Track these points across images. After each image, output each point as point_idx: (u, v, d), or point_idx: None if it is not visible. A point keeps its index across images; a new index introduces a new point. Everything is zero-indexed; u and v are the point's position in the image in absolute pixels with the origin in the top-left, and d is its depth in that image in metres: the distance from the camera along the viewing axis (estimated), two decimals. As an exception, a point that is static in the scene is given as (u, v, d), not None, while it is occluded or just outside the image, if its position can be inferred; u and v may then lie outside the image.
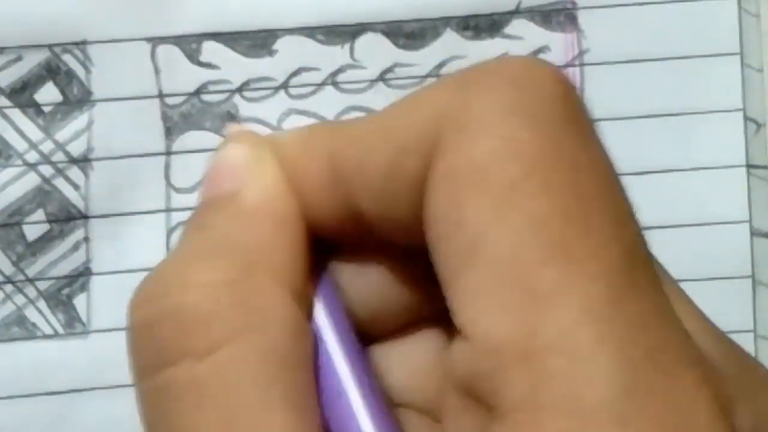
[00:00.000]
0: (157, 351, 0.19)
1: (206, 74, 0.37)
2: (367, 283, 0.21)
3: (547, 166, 0.18)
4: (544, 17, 0.38)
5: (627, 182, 0.37)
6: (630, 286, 0.17)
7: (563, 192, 0.18)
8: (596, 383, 0.16)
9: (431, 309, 0.21)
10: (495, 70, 0.19)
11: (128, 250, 0.37)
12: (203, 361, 0.18)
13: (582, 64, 0.38)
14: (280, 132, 0.22)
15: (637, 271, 0.18)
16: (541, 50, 0.38)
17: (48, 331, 0.37)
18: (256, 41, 0.38)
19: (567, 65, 0.38)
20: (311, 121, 0.38)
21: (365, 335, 0.21)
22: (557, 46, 0.38)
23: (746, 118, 0.39)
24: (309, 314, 0.20)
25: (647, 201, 0.38)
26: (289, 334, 0.19)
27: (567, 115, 0.19)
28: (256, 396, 0.18)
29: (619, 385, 0.16)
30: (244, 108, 0.38)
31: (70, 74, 0.37)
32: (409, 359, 0.22)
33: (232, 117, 0.37)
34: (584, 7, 0.38)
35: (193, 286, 0.19)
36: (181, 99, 0.37)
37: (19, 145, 0.37)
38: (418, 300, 0.21)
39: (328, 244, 0.21)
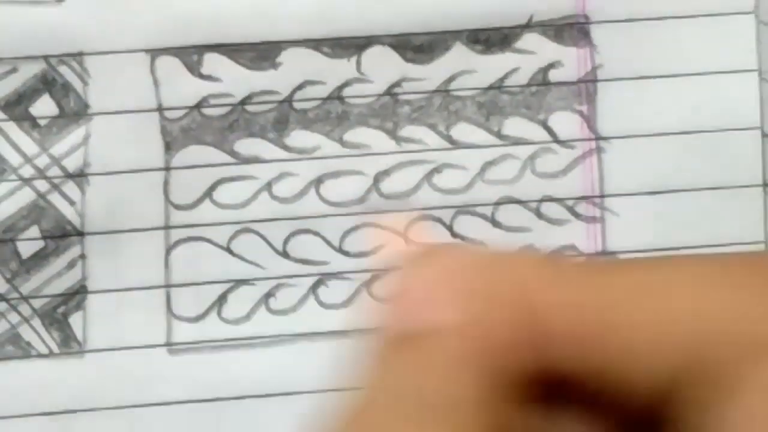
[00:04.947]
0: None
1: (207, 87, 0.37)
2: None
3: None
4: (557, 31, 0.38)
5: (641, 201, 0.37)
6: None
7: None
8: None
9: None
10: None
11: (126, 268, 0.37)
12: None
13: (595, 80, 0.38)
14: (512, 251, 0.19)
15: None
16: (553, 65, 0.38)
17: (43, 350, 0.36)
18: (260, 53, 0.37)
19: (580, 81, 0.38)
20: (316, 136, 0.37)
21: None
22: (570, 61, 0.38)
23: (764, 136, 0.38)
24: None
25: (662, 220, 0.38)
26: None
27: None
28: None
29: None
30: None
31: (67, 86, 0.37)
32: None
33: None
34: (598, 21, 0.38)
35: None
36: (181, 113, 0.37)
37: (14, 159, 0.36)
38: None
39: None
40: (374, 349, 0.19)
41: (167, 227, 0.37)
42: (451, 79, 0.37)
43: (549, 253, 0.19)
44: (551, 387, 0.19)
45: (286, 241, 0.37)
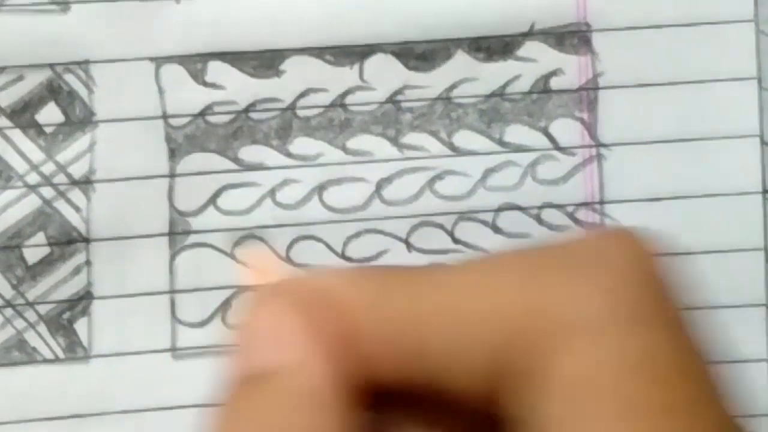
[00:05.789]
0: None
1: (211, 95, 0.37)
2: None
3: (665, 377, 0.17)
4: (558, 39, 0.38)
5: (640, 208, 0.37)
6: None
7: (684, 407, 0.17)
8: None
9: None
10: (597, 256, 0.18)
11: (130, 274, 0.37)
12: None
13: (596, 88, 0.38)
14: (330, 275, 0.20)
15: None
16: (554, 73, 0.38)
17: (48, 355, 0.36)
18: (263, 61, 0.37)
19: (580, 88, 0.38)
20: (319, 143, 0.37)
21: None
22: (571, 68, 0.38)
23: (763, 143, 0.38)
24: None
25: (661, 227, 0.38)
26: None
27: (671, 308, 0.18)
28: None
29: None
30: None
31: (73, 94, 0.37)
32: None
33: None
34: (599, 30, 0.38)
35: None
36: (185, 120, 0.37)
37: (20, 166, 0.36)
38: None
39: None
40: (223, 392, 0.19)
41: (172, 233, 0.37)
42: (453, 86, 0.37)
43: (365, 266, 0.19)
44: (390, 393, 0.19)
45: (289, 247, 0.37)
